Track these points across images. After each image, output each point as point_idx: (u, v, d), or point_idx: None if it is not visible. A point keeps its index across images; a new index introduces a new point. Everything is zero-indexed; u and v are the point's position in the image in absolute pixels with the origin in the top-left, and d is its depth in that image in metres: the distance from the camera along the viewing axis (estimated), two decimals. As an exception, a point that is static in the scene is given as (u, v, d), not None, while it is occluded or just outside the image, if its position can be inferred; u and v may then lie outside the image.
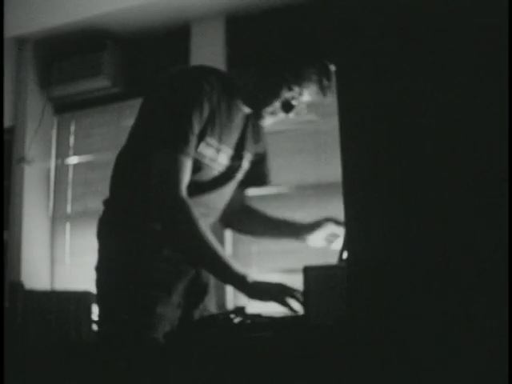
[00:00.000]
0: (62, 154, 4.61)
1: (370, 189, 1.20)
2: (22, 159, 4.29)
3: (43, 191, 4.48)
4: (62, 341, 3.31)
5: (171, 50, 4.29)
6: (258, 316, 1.63)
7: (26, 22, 4.22)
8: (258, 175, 2.03)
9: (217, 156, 1.80)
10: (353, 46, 1.26)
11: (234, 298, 3.82)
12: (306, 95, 1.77)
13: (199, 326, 1.62)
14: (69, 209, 4.50)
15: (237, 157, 1.90)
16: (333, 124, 3.58)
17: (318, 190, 3.85)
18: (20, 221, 4.24)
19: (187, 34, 4.20)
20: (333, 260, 1.90)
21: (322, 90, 1.76)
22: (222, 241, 3.76)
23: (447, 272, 1.11)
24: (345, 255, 1.76)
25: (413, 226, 1.15)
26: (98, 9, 4.04)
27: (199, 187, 1.78)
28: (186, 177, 1.66)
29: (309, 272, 1.48)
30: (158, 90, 1.79)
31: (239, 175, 1.94)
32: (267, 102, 1.78)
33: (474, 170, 1.12)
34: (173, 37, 4.30)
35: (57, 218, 4.52)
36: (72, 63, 4.36)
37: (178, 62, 4.17)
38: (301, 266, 1.50)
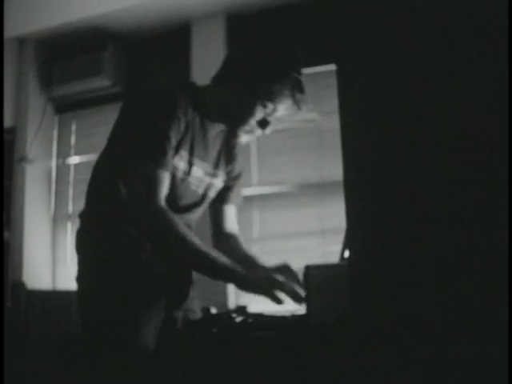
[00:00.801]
0: (63, 154, 4.61)
1: (371, 187, 1.20)
2: (23, 159, 4.30)
3: (44, 191, 4.49)
4: (63, 340, 3.31)
5: (172, 50, 4.30)
6: (260, 315, 1.63)
7: (27, 21, 4.23)
8: (223, 193, 2.02)
9: (189, 169, 1.80)
10: (353, 44, 1.26)
11: (235, 297, 3.82)
12: (280, 110, 1.76)
13: (200, 326, 1.62)
14: (70, 208, 4.50)
15: (211, 174, 1.90)
16: (334, 123, 3.58)
17: (320, 188, 3.85)
18: (21, 221, 4.24)
19: (188, 34, 4.20)
20: (334, 259, 1.90)
21: (296, 103, 1.75)
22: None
23: (448, 271, 1.11)
24: (346, 254, 1.76)
25: (414, 225, 1.15)
26: (99, 8, 4.05)
27: (176, 204, 1.78)
28: (164, 189, 1.66)
29: (310, 271, 1.48)
30: (134, 104, 1.78)
31: (212, 193, 1.94)
32: (243, 121, 1.77)
33: (475, 169, 1.12)
34: (173, 36, 4.30)
35: (58, 218, 4.52)
36: (73, 63, 4.36)
37: (178, 61, 4.17)
38: (303, 264, 1.50)
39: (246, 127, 1.78)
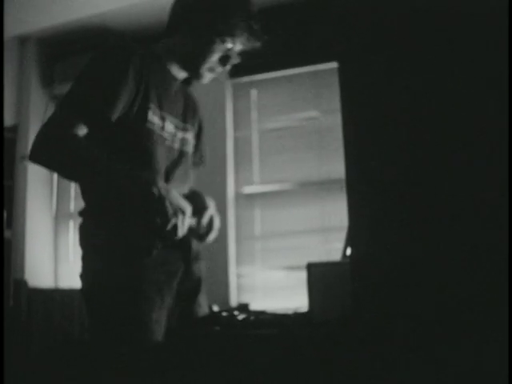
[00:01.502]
0: (64, 153, 4.61)
1: (372, 185, 1.21)
2: (25, 157, 4.30)
3: (46, 189, 4.49)
4: (65, 338, 3.31)
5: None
6: (262, 313, 1.63)
7: (29, 20, 4.23)
8: (195, 154, 2.03)
9: (163, 124, 1.81)
10: (355, 43, 1.26)
11: (237, 294, 3.83)
12: (238, 44, 1.79)
13: (203, 323, 1.62)
14: (72, 207, 4.51)
15: (182, 128, 1.90)
16: (335, 121, 3.59)
17: (321, 186, 3.85)
18: (23, 219, 4.24)
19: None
20: (336, 257, 1.90)
21: (253, 35, 1.79)
22: (224, 239, 3.77)
23: (450, 269, 1.11)
24: (348, 252, 1.76)
25: (415, 223, 1.16)
26: (101, 7, 4.04)
27: (159, 162, 1.78)
28: (75, 130, 1.66)
29: (312, 269, 1.48)
30: (85, 66, 1.83)
31: (189, 149, 1.94)
32: (203, 59, 1.80)
33: (476, 167, 1.12)
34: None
35: (60, 216, 4.53)
36: (74, 62, 4.36)
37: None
38: (304, 262, 1.51)
39: (208, 65, 1.81)
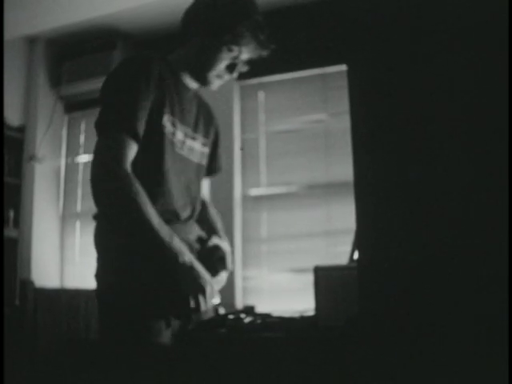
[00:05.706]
0: (72, 153, 4.63)
1: (380, 189, 1.20)
2: (32, 158, 4.32)
3: (53, 190, 4.50)
4: (70, 338, 3.32)
5: (181, 49, 4.30)
6: (268, 316, 1.63)
7: (37, 21, 4.24)
8: (209, 162, 2.06)
9: (175, 130, 1.84)
10: (364, 45, 1.26)
11: (243, 297, 3.82)
12: (245, 53, 1.83)
13: (209, 326, 1.62)
14: (79, 207, 4.52)
15: (191, 137, 1.92)
16: (343, 123, 3.58)
17: (328, 189, 3.85)
18: (30, 219, 4.26)
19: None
20: (341, 260, 1.89)
21: (260, 44, 1.83)
22: (231, 241, 3.76)
23: (458, 273, 1.11)
24: (355, 256, 1.76)
25: (423, 227, 1.15)
26: (109, 8, 4.05)
27: (167, 166, 1.80)
28: (130, 155, 1.69)
29: (319, 272, 1.47)
30: (109, 77, 1.83)
31: (195, 158, 1.95)
32: (211, 67, 1.84)
33: (487, 171, 1.12)
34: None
35: (67, 217, 4.54)
36: (82, 62, 4.37)
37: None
38: (311, 265, 1.50)
39: (215, 72, 1.85)
